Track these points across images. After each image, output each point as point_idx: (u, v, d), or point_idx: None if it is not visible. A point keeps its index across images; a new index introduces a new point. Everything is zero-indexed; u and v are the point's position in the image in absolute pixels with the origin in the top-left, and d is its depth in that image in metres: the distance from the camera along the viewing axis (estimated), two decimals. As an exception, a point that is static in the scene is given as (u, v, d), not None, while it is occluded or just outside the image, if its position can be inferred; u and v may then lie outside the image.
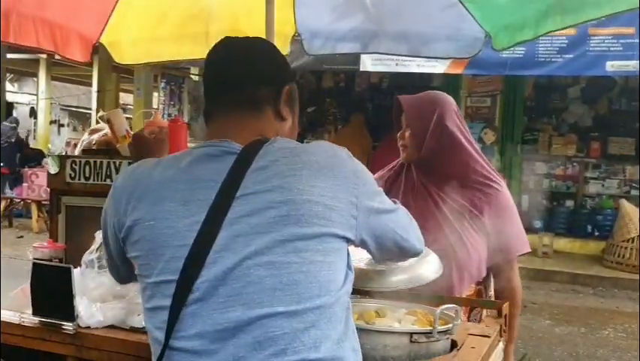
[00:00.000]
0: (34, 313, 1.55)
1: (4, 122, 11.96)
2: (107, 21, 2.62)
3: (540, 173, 9.79)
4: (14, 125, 12.47)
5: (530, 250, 2.16)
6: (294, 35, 2.90)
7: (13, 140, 12.13)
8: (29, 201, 10.26)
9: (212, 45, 1.33)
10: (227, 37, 1.33)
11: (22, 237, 9.57)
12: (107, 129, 2.05)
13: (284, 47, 2.95)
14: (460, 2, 2.41)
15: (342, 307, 1.16)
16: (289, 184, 1.14)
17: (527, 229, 7.83)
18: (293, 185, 1.14)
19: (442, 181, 2.05)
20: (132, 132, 1.99)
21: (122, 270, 1.32)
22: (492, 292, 2.16)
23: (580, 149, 9.62)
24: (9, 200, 10.76)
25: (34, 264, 1.58)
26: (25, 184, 10.27)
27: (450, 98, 2.13)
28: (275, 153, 1.18)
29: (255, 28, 2.66)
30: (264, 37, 2.56)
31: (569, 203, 9.67)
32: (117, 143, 1.96)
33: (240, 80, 1.26)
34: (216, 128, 1.26)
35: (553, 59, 7.32)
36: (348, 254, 1.22)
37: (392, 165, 2.23)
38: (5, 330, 1.57)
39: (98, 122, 2.19)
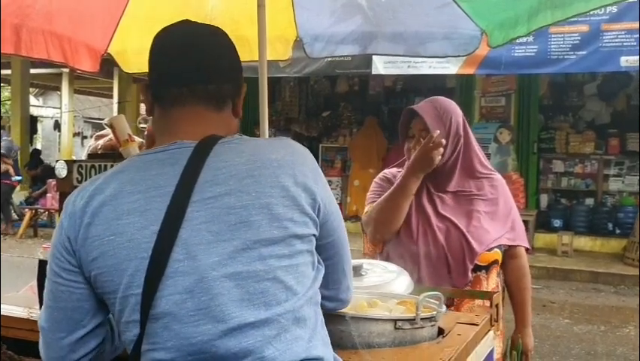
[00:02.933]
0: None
1: (5, 138, 12.22)
2: (114, 32, 2.72)
3: (558, 171, 9.75)
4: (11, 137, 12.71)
5: (529, 247, 2.27)
6: (295, 39, 2.97)
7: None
8: (53, 211, 10.48)
9: (166, 27, 1.24)
10: (185, 22, 1.25)
11: (47, 247, 9.76)
12: (111, 134, 2.14)
13: (286, 51, 3.02)
14: (454, 1, 2.45)
15: (310, 305, 1.15)
16: (247, 187, 1.10)
17: (546, 228, 7.79)
18: (252, 187, 1.10)
19: (450, 179, 2.14)
20: (134, 137, 2.07)
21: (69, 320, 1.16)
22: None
23: (598, 146, 9.54)
24: (34, 211, 11.01)
25: (40, 262, 1.66)
26: (49, 195, 10.52)
27: (453, 102, 2.22)
28: (231, 152, 1.14)
29: (256, 35, 2.74)
30: (258, 41, 2.65)
31: (589, 201, 9.59)
32: (120, 147, 2.03)
33: (208, 74, 1.19)
34: (167, 121, 1.20)
35: (566, 57, 7.29)
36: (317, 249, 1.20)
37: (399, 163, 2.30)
38: (15, 325, 1.64)
39: (104, 128, 2.27)
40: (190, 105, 1.19)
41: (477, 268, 2.09)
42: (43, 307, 1.20)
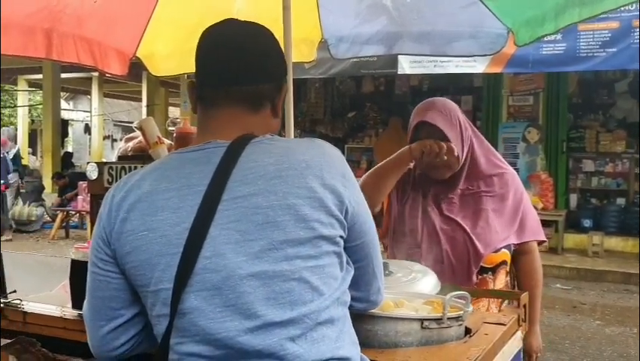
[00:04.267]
0: (74, 307, 1.67)
1: None
2: (142, 36, 2.76)
3: (588, 171, 9.60)
4: None
5: (546, 239, 2.21)
6: (320, 41, 2.98)
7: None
8: (84, 213, 10.66)
9: (211, 26, 1.25)
10: (229, 21, 1.26)
11: (79, 247, 9.96)
12: (140, 137, 2.17)
13: (311, 52, 3.04)
14: (480, 0, 2.44)
15: (336, 305, 1.15)
16: (275, 187, 1.11)
17: (576, 228, 7.61)
18: (279, 188, 1.11)
19: (457, 183, 2.10)
20: (163, 139, 2.11)
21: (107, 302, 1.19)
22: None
23: (629, 145, 9.37)
24: (65, 213, 11.22)
25: (72, 262, 1.71)
26: (80, 197, 10.69)
27: (449, 100, 2.17)
28: (261, 152, 1.15)
29: (281, 35, 2.76)
30: (283, 43, 2.66)
31: (620, 201, 9.42)
32: (149, 149, 2.07)
33: (245, 76, 1.20)
34: (206, 121, 1.23)
35: (595, 54, 7.18)
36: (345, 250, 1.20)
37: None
38: (48, 323, 1.69)
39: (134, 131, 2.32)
40: (226, 106, 1.21)
41: (483, 270, 2.05)
42: (86, 298, 1.25)
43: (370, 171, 2.16)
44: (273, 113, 1.26)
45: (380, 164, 2.13)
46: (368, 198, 2.02)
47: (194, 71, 1.26)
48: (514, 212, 2.10)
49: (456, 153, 2.01)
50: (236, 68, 1.20)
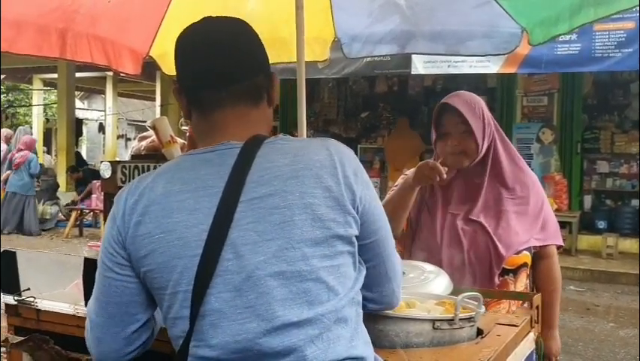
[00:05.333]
0: (87, 305, 1.68)
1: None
2: (155, 35, 2.77)
3: (602, 172, 9.54)
4: None
5: (563, 244, 2.21)
6: (333, 40, 2.98)
7: None
8: (97, 211, 10.73)
9: (189, 27, 1.23)
10: (207, 19, 1.24)
11: (93, 245, 10.03)
12: (154, 136, 2.19)
13: (324, 52, 3.04)
14: (494, -1, 2.43)
15: (352, 305, 1.16)
16: (291, 187, 1.11)
17: (590, 229, 7.58)
18: (295, 188, 1.11)
19: (481, 179, 2.09)
20: (176, 138, 2.12)
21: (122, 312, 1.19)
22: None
23: (645, 146, 9.29)
24: (79, 211, 11.30)
25: (85, 260, 1.71)
26: (94, 195, 10.77)
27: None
28: (276, 153, 1.15)
29: (294, 35, 2.76)
30: (295, 42, 2.67)
31: (635, 202, 9.33)
32: (162, 148, 2.08)
33: (241, 71, 1.19)
34: (209, 124, 1.21)
35: (611, 55, 7.12)
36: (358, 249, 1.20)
37: None
38: (61, 321, 1.70)
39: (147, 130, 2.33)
40: (230, 107, 1.20)
41: (504, 272, 2.04)
42: (93, 302, 1.22)
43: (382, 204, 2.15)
44: (269, 103, 1.26)
45: (388, 197, 2.13)
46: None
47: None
48: (535, 215, 2.09)
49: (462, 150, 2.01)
50: (235, 67, 1.19)
